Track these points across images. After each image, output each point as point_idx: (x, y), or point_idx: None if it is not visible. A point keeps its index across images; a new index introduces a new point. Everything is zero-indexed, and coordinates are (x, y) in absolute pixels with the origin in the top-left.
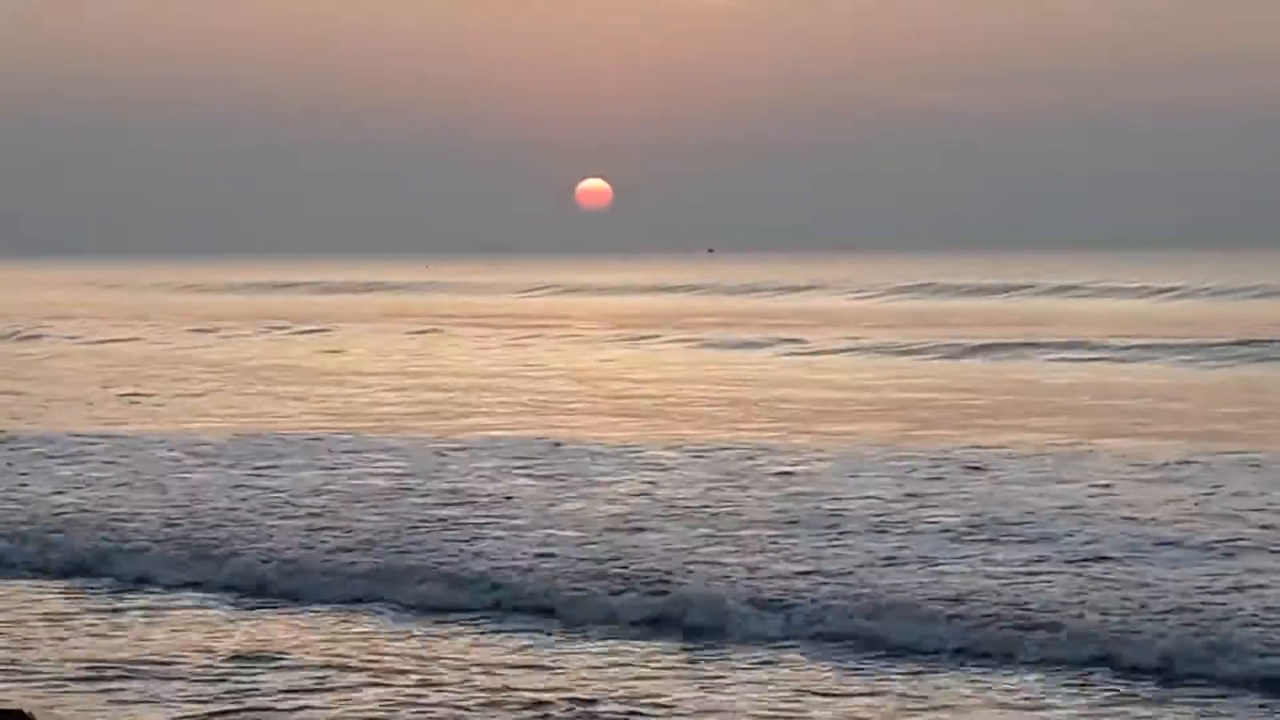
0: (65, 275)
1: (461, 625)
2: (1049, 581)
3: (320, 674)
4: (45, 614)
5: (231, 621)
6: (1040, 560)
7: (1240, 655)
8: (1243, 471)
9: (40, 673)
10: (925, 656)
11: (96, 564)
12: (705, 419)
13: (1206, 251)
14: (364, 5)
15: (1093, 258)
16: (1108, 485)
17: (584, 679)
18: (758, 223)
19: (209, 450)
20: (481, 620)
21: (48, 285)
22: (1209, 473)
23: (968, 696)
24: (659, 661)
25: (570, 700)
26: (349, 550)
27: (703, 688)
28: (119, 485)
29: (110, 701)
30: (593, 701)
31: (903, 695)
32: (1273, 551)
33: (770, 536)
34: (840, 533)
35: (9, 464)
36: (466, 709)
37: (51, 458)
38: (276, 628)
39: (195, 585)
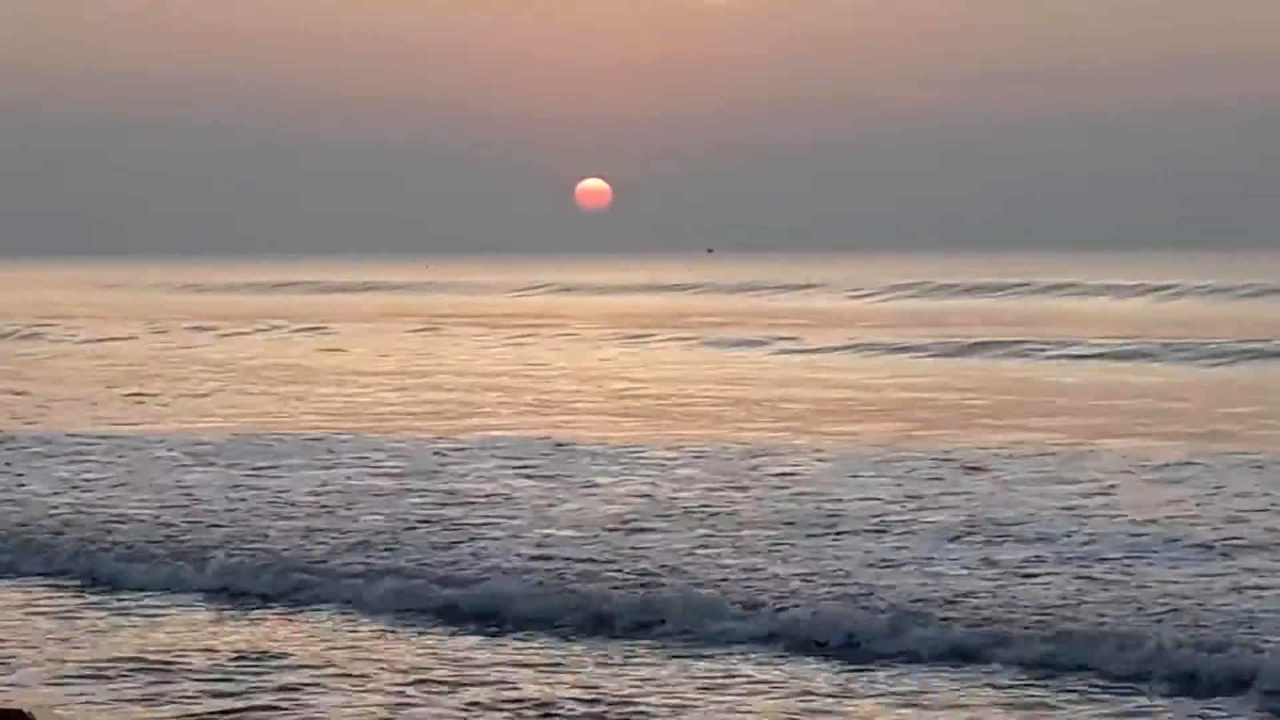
0: (65, 275)
1: (461, 626)
2: (1048, 582)
3: (320, 674)
4: (45, 614)
5: (232, 622)
6: (1039, 560)
7: (1239, 656)
8: (1245, 472)
9: (40, 673)
10: (925, 657)
11: (96, 564)
12: (705, 419)
13: (1207, 251)
14: (364, 5)
15: (1093, 257)
16: (1108, 485)
17: (584, 680)
18: (757, 223)
19: (208, 450)
20: (481, 621)
21: (48, 285)
22: (1210, 473)
23: (967, 697)
24: (659, 663)
25: (570, 700)
26: (349, 550)
27: (702, 689)
28: (118, 485)
29: (110, 701)
30: (593, 702)
31: (903, 695)
32: (1272, 551)
33: (769, 537)
34: (839, 533)
35: (7, 464)
36: (466, 709)
37: (50, 457)
38: (276, 628)
39: (195, 585)
